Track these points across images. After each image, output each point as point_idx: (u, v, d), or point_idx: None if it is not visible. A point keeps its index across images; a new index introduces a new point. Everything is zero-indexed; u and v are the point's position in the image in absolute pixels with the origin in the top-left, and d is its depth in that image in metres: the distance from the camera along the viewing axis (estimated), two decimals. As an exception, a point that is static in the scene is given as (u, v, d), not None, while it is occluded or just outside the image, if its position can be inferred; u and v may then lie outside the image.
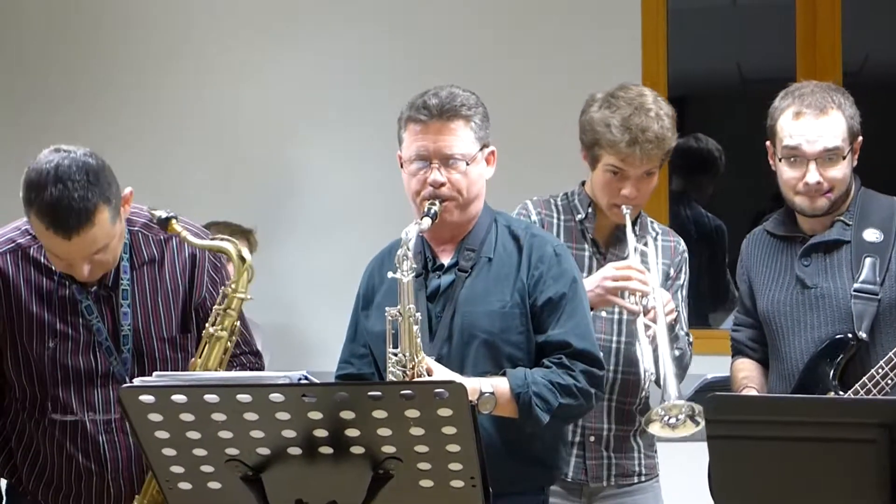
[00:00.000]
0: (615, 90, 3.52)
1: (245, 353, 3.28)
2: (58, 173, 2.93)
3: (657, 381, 3.34)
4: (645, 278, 3.39)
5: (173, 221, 3.07)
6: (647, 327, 3.37)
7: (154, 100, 5.41)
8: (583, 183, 3.63)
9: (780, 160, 3.32)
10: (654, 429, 3.25)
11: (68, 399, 3.13)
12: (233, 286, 3.11)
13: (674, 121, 3.51)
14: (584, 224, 3.57)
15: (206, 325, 3.11)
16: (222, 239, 3.14)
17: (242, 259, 3.11)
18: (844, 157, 3.29)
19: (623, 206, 3.48)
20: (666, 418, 3.22)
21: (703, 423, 3.04)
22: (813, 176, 3.27)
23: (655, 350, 3.34)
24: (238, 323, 3.13)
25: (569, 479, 3.48)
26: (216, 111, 5.45)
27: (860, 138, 3.34)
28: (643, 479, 3.58)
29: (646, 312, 3.38)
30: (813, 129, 3.26)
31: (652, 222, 3.67)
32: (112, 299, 3.15)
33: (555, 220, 3.59)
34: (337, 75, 5.36)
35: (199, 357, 3.09)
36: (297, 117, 5.40)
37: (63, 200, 2.92)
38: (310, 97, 5.39)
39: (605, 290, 3.38)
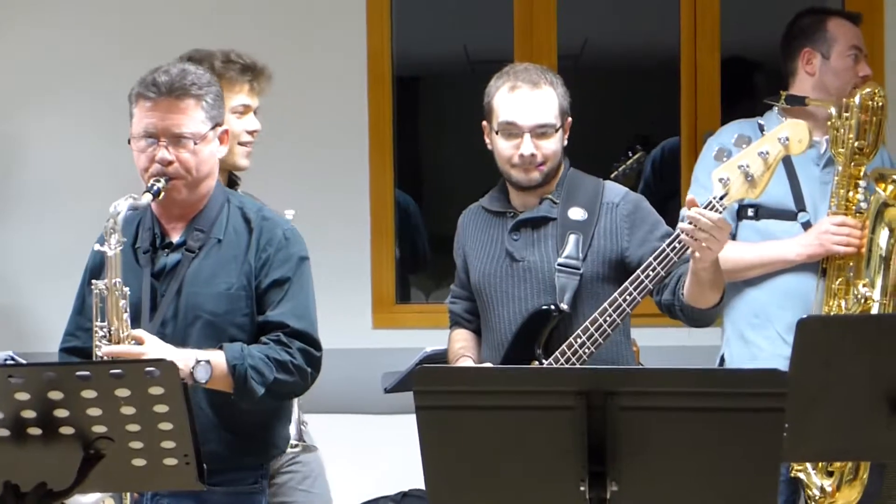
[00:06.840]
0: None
1: None
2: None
3: None
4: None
5: None
6: None
7: None
8: None
9: (496, 133, 3.45)
10: None
11: None
12: None
13: None
14: None
15: None
16: None
17: None
18: (557, 132, 3.44)
19: None
20: None
21: None
22: (528, 147, 3.41)
23: None
24: None
25: None
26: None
27: (570, 119, 3.49)
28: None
29: None
30: (528, 102, 3.40)
31: None
32: None
33: None
34: (63, 44, 5.18)
35: None
36: (17, 87, 5.22)
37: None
38: (33, 67, 5.20)
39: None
